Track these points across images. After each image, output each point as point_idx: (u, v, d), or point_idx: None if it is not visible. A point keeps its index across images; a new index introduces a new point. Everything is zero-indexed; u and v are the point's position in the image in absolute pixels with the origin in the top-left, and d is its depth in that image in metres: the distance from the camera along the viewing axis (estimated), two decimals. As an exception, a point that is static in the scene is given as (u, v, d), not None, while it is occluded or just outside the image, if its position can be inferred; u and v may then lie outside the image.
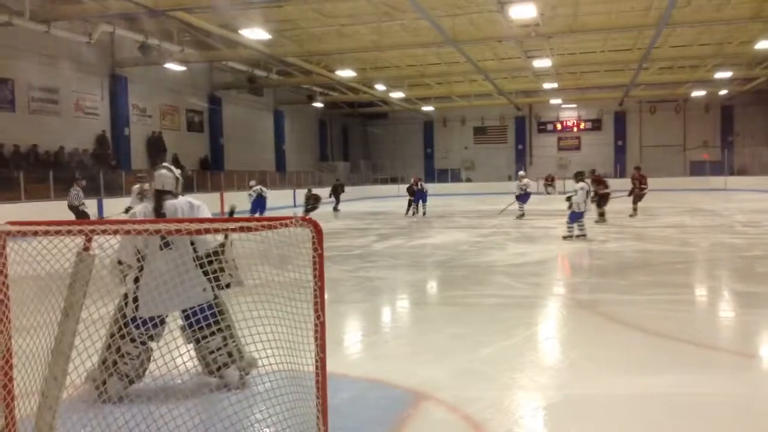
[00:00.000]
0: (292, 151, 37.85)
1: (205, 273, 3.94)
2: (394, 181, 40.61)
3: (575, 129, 43.47)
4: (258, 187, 19.46)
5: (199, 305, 3.98)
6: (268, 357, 3.26)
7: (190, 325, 3.99)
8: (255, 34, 19.53)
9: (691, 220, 17.31)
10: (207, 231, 3.06)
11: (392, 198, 33.95)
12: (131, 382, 4.00)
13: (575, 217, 13.04)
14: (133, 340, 3.91)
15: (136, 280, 3.98)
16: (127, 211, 12.17)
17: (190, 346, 4.11)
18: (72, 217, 14.35)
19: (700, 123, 40.60)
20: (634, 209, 18.01)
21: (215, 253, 3.93)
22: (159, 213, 4.27)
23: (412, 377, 4.52)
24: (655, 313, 6.54)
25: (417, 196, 21.74)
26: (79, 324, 3.02)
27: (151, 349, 4.01)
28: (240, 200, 21.44)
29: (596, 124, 42.89)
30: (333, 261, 10.72)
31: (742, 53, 26.14)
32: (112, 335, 3.79)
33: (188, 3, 16.68)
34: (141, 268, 3.97)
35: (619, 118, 41.97)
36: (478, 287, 8.42)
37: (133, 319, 3.91)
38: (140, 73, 24.41)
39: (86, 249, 3.06)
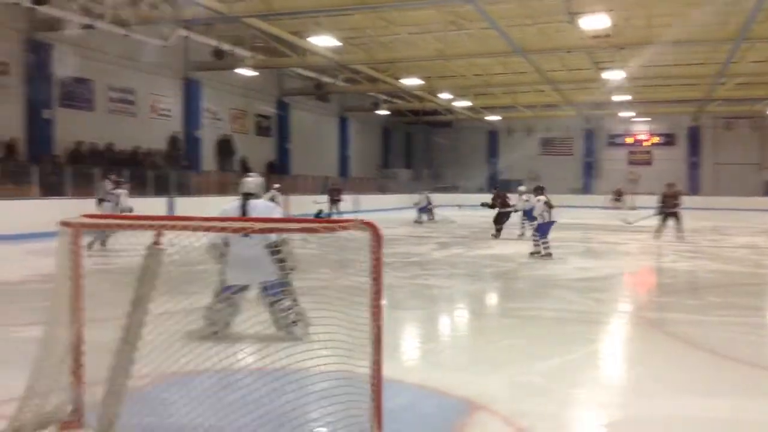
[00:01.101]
0: (355, 158, 38.19)
1: (276, 257, 5.12)
2: (455, 189, 40.40)
3: (647, 143, 42.23)
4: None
5: (271, 280, 5.24)
6: (325, 357, 3.29)
7: (266, 292, 5.31)
8: (324, 41, 19.83)
9: (766, 242, 16.56)
10: (272, 231, 3.12)
11: (453, 207, 33.75)
12: (224, 328, 5.12)
13: (544, 230, 12.41)
14: (224, 299, 5.22)
15: (225, 258, 5.31)
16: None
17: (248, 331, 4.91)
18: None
19: (778, 141, 38.84)
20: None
21: (281, 242, 5.10)
22: (243, 210, 5.49)
23: (467, 387, 4.47)
24: (725, 335, 6.28)
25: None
26: (148, 316, 3.13)
27: (237, 312, 5.29)
28: (303, 205, 21.84)
29: (669, 139, 41.55)
30: (391, 267, 10.73)
31: (827, 69, 24.91)
32: (214, 296, 5.26)
33: (261, 10, 17.11)
34: (226, 250, 5.28)
35: (693, 134, 40.50)
36: (537, 300, 8.28)
37: (227, 287, 5.27)
38: (212, 77, 25.12)
39: (156, 243, 3.17)
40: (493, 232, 16.35)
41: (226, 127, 27.36)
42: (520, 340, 6.08)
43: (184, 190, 21.23)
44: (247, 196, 5.62)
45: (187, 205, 19.11)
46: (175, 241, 3.25)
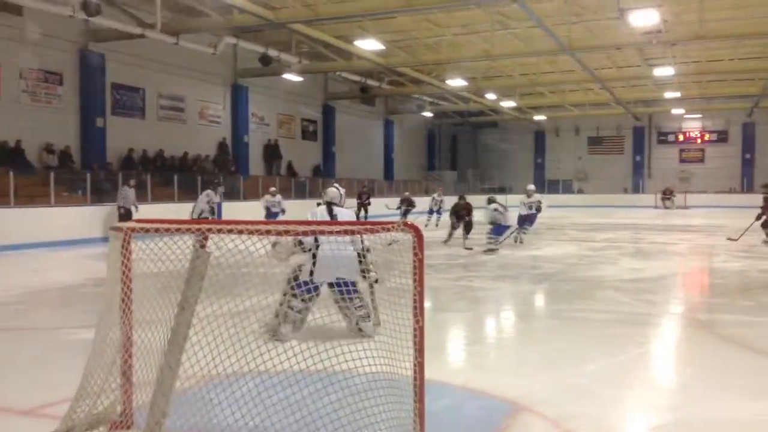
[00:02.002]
0: (400, 160, 38.24)
1: (363, 264, 5.38)
2: (502, 191, 40.06)
3: (699, 141, 41.12)
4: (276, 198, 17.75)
5: (345, 280, 5.39)
6: (369, 358, 3.33)
7: (339, 290, 5.44)
8: (369, 44, 19.93)
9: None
10: (307, 233, 3.16)
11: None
12: (298, 328, 5.53)
13: (499, 231, 13.21)
14: (298, 298, 5.48)
15: (314, 256, 5.52)
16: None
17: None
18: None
19: (838, 136, 37.29)
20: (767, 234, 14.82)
21: (365, 252, 5.37)
22: (331, 215, 6.00)
23: (512, 389, 4.44)
24: (781, 338, 6.08)
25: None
26: (194, 318, 3.21)
27: (309, 307, 5.58)
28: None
29: (722, 136, 40.37)
30: (436, 269, 10.72)
31: None
32: (284, 294, 5.36)
33: (306, 15, 17.32)
34: (316, 250, 5.53)
35: (748, 130, 39.24)
36: (586, 302, 8.15)
37: (300, 284, 5.42)
38: (259, 83, 25.52)
39: (203, 246, 3.24)
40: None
41: (273, 132, 27.75)
42: (567, 342, 6.00)
43: (232, 195, 21.60)
44: (331, 205, 6.11)
45: (235, 209, 19.44)
46: (220, 244, 3.33)
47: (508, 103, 33.36)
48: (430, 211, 21.01)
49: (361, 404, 3.27)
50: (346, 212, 6.34)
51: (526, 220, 14.97)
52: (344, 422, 3.25)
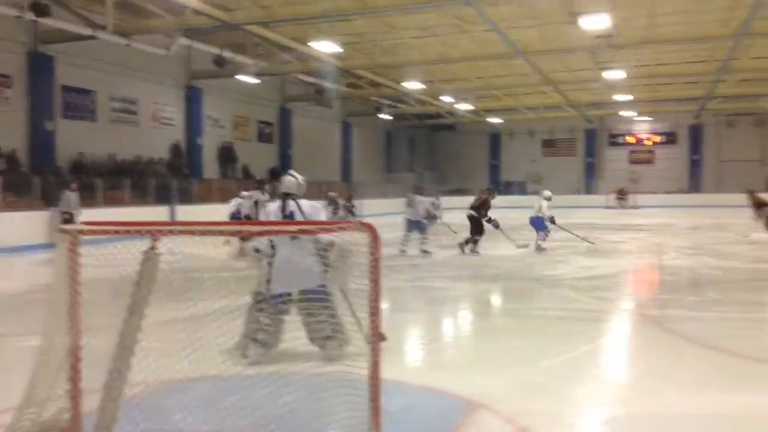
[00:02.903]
0: (358, 162, 38.21)
1: (322, 262, 4.81)
2: (459, 192, 40.41)
3: (648, 142, 42.19)
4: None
5: (313, 287, 4.79)
6: (324, 359, 3.30)
7: (306, 299, 4.77)
8: (325, 46, 19.87)
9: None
10: (262, 233, 3.12)
11: (458, 209, 33.73)
12: (270, 348, 4.89)
13: (413, 226, 13.14)
14: (268, 313, 4.82)
15: (270, 264, 4.89)
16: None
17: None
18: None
19: (781, 137, 38.71)
20: None
21: (324, 250, 4.75)
22: (284, 210, 5.18)
23: (469, 387, 4.46)
24: (726, 331, 6.27)
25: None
26: (145, 322, 3.13)
27: (284, 322, 4.96)
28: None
29: (670, 138, 41.49)
30: (394, 270, 10.73)
31: (829, 64, 24.85)
32: (251, 310, 4.84)
33: (262, 17, 17.17)
34: (273, 255, 4.89)
35: (695, 132, 40.44)
36: (541, 300, 8.28)
37: (270, 297, 4.80)
38: (214, 84, 25.19)
39: (152, 248, 3.17)
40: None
41: (228, 134, 27.42)
42: (522, 339, 6.07)
43: (186, 198, 21.28)
44: (287, 195, 5.27)
45: (189, 213, 19.15)
46: (175, 249, 3.26)
47: (464, 106, 33.66)
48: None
49: (316, 405, 3.25)
50: (307, 205, 5.29)
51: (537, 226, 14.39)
52: (299, 423, 3.23)
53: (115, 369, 3.07)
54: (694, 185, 38.06)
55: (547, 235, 14.13)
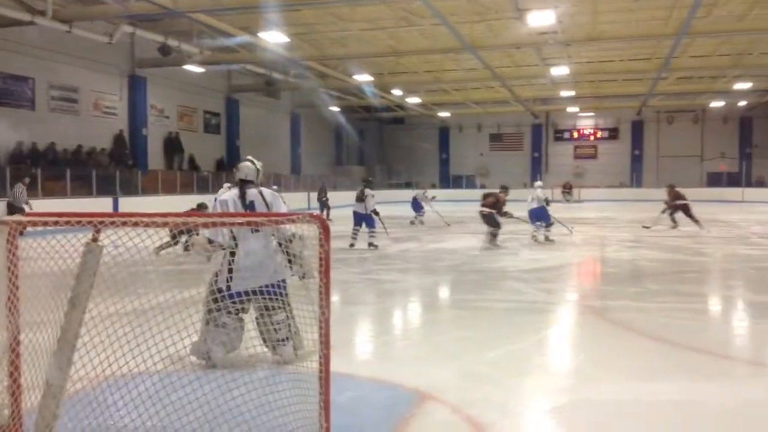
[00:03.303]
0: (307, 155, 37.97)
1: (285, 255, 4.51)
2: (409, 185, 40.63)
3: (592, 138, 43.22)
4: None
5: (270, 284, 4.42)
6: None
7: (263, 296, 4.38)
8: (273, 37, 19.63)
9: (707, 231, 17.12)
10: (209, 225, 3.07)
11: (407, 202, 33.88)
12: (232, 349, 4.54)
13: (361, 219, 13.28)
14: (228, 312, 4.42)
15: (230, 259, 4.48)
16: None
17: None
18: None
19: (718, 134, 40.20)
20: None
21: (288, 242, 4.43)
22: (244, 200, 4.83)
23: (418, 378, 4.51)
24: (666, 321, 6.48)
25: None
26: (87, 316, 3.05)
27: (243, 320, 4.62)
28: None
29: (613, 133, 42.62)
30: (345, 263, 10.73)
31: (762, 64, 25.90)
32: (209, 310, 4.41)
33: (208, 5, 16.84)
34: (233, 250, 4.51)
35: (637, 128, 41.66)
36: (488, 292, 8.40)
37: (229, 295, 4.35)
38: (159, 73, 24.61)
39: (94, 240, 3.08)
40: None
41: (174, 124, 26.85)
42: (470, 331, 6.15)
43: (130, 190, 20.78)
44: (245, 183, 4.95)
45: (133, 205, 18.71)
46: (119, 242, 3.17)
47: (413, 100, 33.81)
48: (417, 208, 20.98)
49: (264, 399, 3.22)
50: (269, 193, 4.96)
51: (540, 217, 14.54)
52: (248, 417, 3.19)
53: (57, 364, 2.98)
54: (636, 180, 39.21)
55: (551, 225, 14.36)
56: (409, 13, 19.26)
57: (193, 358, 4.34)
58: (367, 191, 13.27)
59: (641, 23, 20.23)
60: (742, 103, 36.06)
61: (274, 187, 19.47)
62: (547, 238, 14.15)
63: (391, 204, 27.03)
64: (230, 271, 4.44)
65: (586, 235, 16.21)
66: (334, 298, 7.58)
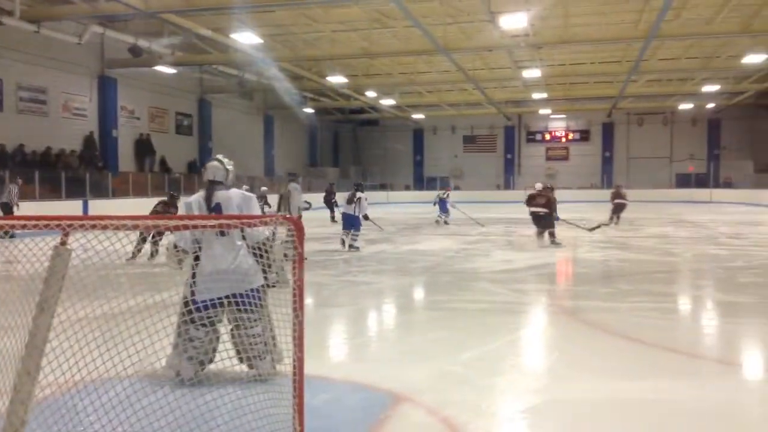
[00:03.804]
0: (281, 156, 37.80)
1: (256, 261, 4.22)
2: (383, 187, 40.72)
3: (564, 139, 43.70)
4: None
5: (246, 291, 4.13)
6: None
7: (237, 306, 4.10)
8: (246, 38, 19.52)
9: (676, 231, 17.42)
10: (182, 228, 3.03)
11: (382, 204, 33.94)
12: (202, 363, 4.19)
13: (350, 221, 13.23)
14: (195, 324, 4.09)
15: (193, 266, 4.18)
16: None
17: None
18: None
19: (687, 135, 40.93)
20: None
21: (262, 247, 4.14)
22: (210, 202, 4.47)
23: (392, 380, 4.51)
24: (637, 321, 6.57)
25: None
26: (56, 321, 2.99)
27: (218, 332, 4.26)
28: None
29: (584, 135, 43.14)
30: (320, 265, 10.70)
31: (730, 67, 26.42)
32: (179, 321, 4.06)
33: (179, 5, 16.68)
34: (197, 255, 4.20)
35: (607, 130, 42.23)
36: (462, 293, 8.43)
37: (194, 303, 4.03)
38: (129, 74, 24.33)
39: (63, 243, 3.03)
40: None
41: (145, 126, 26.55)
42: (444, 332, 6.17)
43: (100, 192, 20.49)
44: (213, 184, 4.57)
45: (103, 208, 18.46)
46: (88, 245, 3.12)
47: (387, 101, 33.86)
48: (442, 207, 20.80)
49: (238, 403, 3.19)
50: (238, 195, 4.57)
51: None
52: (220, 422, 3.16)
53: (25, 370, 2.92)
54: (606, 181, 39.73)
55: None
56: (382, 15, 19.30)
57: (171, 373, 4.12)
58: (360, 194, 13.29)
59: (612, 26, 20.51)
60: (711, 106, 36.75)
61: (245, 187, 19.38)
62: (553, 241, 13.80)
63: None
64: (194, 278, 4.16)
65: (558, 236, 16.34)
66: (308, 300, 7.56)
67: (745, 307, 7.59)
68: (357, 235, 13.28)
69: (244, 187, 17.95)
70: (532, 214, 13.86)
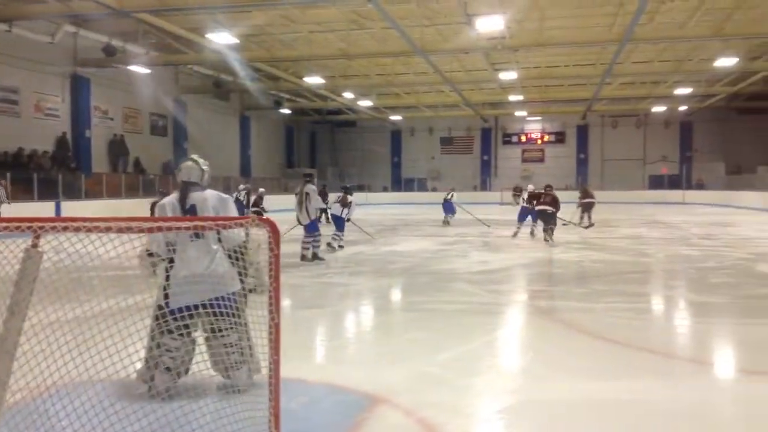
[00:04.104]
0: (257, 157, 37.62)
1: (233, 265, 4.01)
2: (361, 188, 40.69)
3: (539, 141, 44.06)
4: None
5: (221, 296, 3.92)
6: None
7: (212, 313, 3.90)
8: (222, 38, 19.38)
9: (649, 232, 17.64)
10: (156, 229, 2.99)
11: (362, 205, 33.87)
12: (178, 375, 3.99)
13: (341, 222, 13.57)
14: (170, 333, 3.87)
15: (167, 270, 3.97)
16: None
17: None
18: None
19: (659, 138, 41.50)
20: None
21: (240, 251, 3.93)
22: (184, 204, 4.26)
23: (370, 382, 4.51)
24: (611, 321, 6.64)
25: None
26: (27, 324, 2.94)
27: (194, 341, 4.09)
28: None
29: (560, 137, 43.53)
30: (296, 267, 10.65)
31: (702, 70, 26.83)
32: (152, 329, 3.85)
33: (154, 5, 16.51)
34: (171, 260, 3.99)
35: (582, 132, 42.66)
36: (439, 294, 8.45)
37: (170, 312, 3.85)
38: (103, 74, 24.03)
39: (34, 245, 2.98)
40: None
41: (118, 126, 26.25)
42: (422, 333, 6.18)
43: (73, 193, 20.21)
44: (188, 185, 4.37)
45: (76, 209, 18.21)
46: (60, 247, 3.06)
47: (365, 103, 33.85)
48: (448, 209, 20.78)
49: (213, 406, 3.16)
50: (214, 197, 4.36)
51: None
52: (195, 426, 3.13)
53: (-7, 376, 2.86)
54: (581, 182, 40.09)
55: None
56: (359, 16, 19.29)
57: (142, 386, 3.94)
58: (351, 198, 13.59)
59: (586, 30, 20.72)
60: (683, 108, 37.28)
61: (242, 187, 19.31)
62: (549, 239, 14.45)
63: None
64: (167, 283, 3.98)
65: (534, 237, 16.47)
66: (285, 302, 7.52)
67: (716, 307, 7.70)
68: (338, 235, 13.42)
69: (241, 186, 18.19)
70: (540, 212, 14.54)
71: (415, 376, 4.71)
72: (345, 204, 13.42)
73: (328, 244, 13.10)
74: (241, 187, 20.22)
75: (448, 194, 21.37)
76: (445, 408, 4.01)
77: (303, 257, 11.38)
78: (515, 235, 15.81)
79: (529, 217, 15.48)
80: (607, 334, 6.05)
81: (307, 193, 11.46)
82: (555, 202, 14.43)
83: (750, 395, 4.48)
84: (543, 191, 14.94)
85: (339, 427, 3.73)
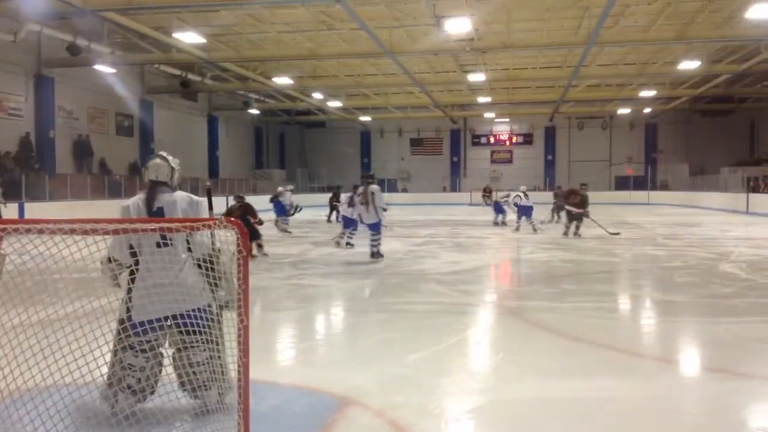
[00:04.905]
0: (226, 158, 37.29)
1: (203, 276, 3.65)
2: (330, 189, 40.54)
3: (508, 143, 44.48)
4: None
5: (192, 309, 3.58)
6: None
7: (180, 327, 3.60)
8: (189, 37, 19.17)
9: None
10: (122, 231, 2.95)
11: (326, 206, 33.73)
12: (143, 396, 3.66)
13: (350, 223, 13.89)
14: (133, 349, 3.58)
15: (131, 281, 3.60)
16: None
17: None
18: None
19: (625, 139, 42.21)
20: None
21: (211, 260, 3.58)
22: (151, 206, 3.86)
23: (340, 383, 4.49)
24: (579, 320, 6.73)
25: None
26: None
27: (161, 357, 3.76)
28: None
29: (528, 139, 44.00)
30: (266, 269, 10.59)
31: (666, 73, 27.36)
32: (114, 345, 3.54)
33: (119, 3, 16.26)
34: (135, 268, 3.62)
35: (549, 134, 43.19)
36: (409, 294, 8.47)
37: (132, 326, 3.52)
38: (68, 74, 23.61)
39: (-4, 248, 2.91)
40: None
41: (84, 126, 25.81)
42: (392, 333, 6.18)
43: (37, 195, 19.81)
44: (156, 185, 3.98)
45: (41, 211, 17.85)
46: (23, 249, 3.00)
47: (334, 103, 33.79)
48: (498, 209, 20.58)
49: (183, 408, 3.12)
50: (184, 199, 3.96)
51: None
52: (164, 429, 3.09)
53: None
54: (549, 183, 40.60)
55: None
56: (328, 16, 19.25)
57: (105, 406, 3.61)
58: (356, 198, 13.49)
59: (553, 32, 20.98)
60: (648, 110, 37.95)
61: (286, 188, 18.88)
62: (577, 233, 15.78)
63: (312, 208, 26.90)
64: (130, 295, 3.60)
65: (503, 237, 16.63)
66: (254, 304, 7.46)
67: (682, 306, 7.85)
68: (353, 234, 13.92)
69: (283, 189, 18.22)
70: (568, 211, 15.79)
71: (385, 377, 4.71)
72: (352, 204, 13.61)
73: (347, 243, 13.70)
74: (284, 189, 19.09)
75: (505, 195, 20.69)
76: (415, 409, 4.02)
77: (373, 254, 11.89)
78: (517, 229, 17.73)
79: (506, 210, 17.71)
80: (576, 333, 6.12)
81: (373, 193, 11.82)
82: (583, 203, 15.45)
83: (714, 392, 4.58)
84: (574, 190, 16.20)
85: (309, 428, 3.71)
